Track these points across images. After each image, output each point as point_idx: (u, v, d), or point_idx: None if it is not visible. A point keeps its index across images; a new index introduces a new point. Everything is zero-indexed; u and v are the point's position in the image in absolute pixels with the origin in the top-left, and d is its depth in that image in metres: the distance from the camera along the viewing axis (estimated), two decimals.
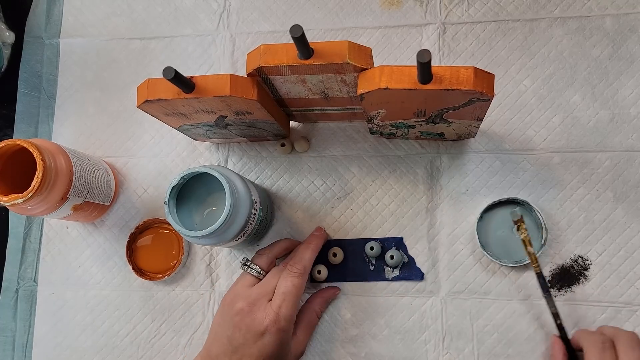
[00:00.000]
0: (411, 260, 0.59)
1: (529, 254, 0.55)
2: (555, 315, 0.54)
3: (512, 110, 0.61)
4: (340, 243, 0.61)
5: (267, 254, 0.56)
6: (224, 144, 0.65)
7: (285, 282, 0.53)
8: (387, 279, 0.59)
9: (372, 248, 0.59)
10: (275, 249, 0.57)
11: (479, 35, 0.62)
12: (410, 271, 0.59)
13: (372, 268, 0.60)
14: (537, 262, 0.55)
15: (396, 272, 0.59)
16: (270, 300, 0.52)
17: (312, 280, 0.60)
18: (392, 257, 0.58)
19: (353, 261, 0.60)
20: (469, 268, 0.58)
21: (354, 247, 0.60)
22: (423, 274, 0.59)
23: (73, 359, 0.63)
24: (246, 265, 0.56)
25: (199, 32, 0.67)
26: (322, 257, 0.60)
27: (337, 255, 0.60)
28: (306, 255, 0.56)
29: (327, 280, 0.60)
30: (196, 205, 0.53)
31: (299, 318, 0.56)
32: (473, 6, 0.63)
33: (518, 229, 0.55)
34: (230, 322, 0.52)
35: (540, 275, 0.55)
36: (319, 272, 0.60)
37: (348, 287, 0.60)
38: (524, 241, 0.55)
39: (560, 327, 0.54)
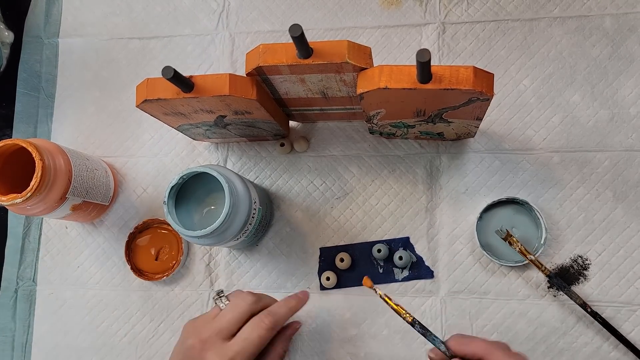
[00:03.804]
0: (419, 259, 0.59)
1: (532, 262, 0.55)
2: (584, 306, 0.54)
3: (512, 109, 0.61)
4: (346, 248, 0.61)
5: (250, 295, 0.50)
6: (223, 144, 0.65)
7: (251, 331, 0.47)
8: (397, 280, 0.59)
9: (379, 250, 0.59)
10: (263, 300, 0.51)
11: (479, 34, 0.62)
12: (419, 271, 0.59)
13: (380, 271, 0.60)
14: (542, 265, 0.55)
15: (405, 273, 0.59)
16: (226, 340, 0.47)
17: (322, 288, 0.60)
18: (400, 258, 0.58)
19: (361, 265, 0.60)
20: (468, 268, 0.58)
21: (360, 250, 0.60)
22: (433, 272, 0.59)
23: (72, 358, 0.63)
24: (219, 297, 0.50)
25: (198, 32, 0.67)
26: (329, 264, 0.60)
27: (345, 261, 0.59)
28: (282, 311, 0.50)
29: (336, 286, 0.60)
30: (195, 205, 0.53)
31: (261, 359, 0.50)
32: (472, 6, 0.63)
33: (510, 244, 0.55)
34: (184, 353, 0.48)
35: (553, 277, 0.55)
36: (328, 278, 0.59)
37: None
38: (521, 252, 0.55)
39: (594, 314, 0.54)
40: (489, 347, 0.43)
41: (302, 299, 0.53)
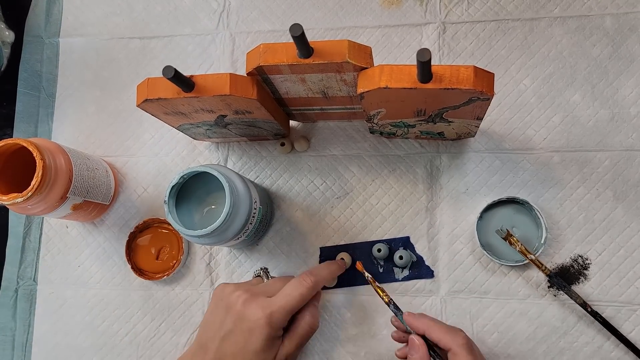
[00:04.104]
0: (420, 259, 0.59)
1: (532, 262, 0.55)
2: (584, 305, 0.54)
3: (512, 109, 0.61)
4: (346, 247, 0.60)
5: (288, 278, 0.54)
6: (223, 143, 0.65)
7: (294, 288, 0.50)
8: (397, 280, 0.59)
9: (379, 250, 0.59)
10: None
11: (479, 34, 0.62)
12: (420, 270, 0.59)
13: (381, 270, 0.60)
14: (543, 265, 0.55)
15: (406, 272, 0.59)
16: (271, 297, 0.50)
17: (323, 287, 0.60)
18: (401, 257, 0.58)
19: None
20: (468, 267, 0.58)
21: (361, 250, 0.60)
22: (433, 272, 0.59)
23: (72, 358, 0.63)
24: (266, 273, 0.56)
25: (198, 32, 0.67)
26: None
27: (345, 260, 0.59)
28: (323, 272, 0.53)
29: (336, 286, 0.60)
30: (196, 205, 0.53)
31: (290, 327, 0.51)
32: (473, 5, 0.63)
33: (511, 244, 0.55)
34: (225, 307, 0.50)
35: (553, 276, 0.55)
36: None
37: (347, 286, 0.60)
38: (521, 252, 0.55)
39: (594, 314, 0.54)
40: (432, 324, 0.49)
41: (341, 265, 0.57)
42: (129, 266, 0.62)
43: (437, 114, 0.50)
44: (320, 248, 0.61)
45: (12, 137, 0.68)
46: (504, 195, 0.59)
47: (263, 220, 0.58)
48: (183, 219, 0.51)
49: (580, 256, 0.57)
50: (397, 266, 0.59)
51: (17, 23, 0.70)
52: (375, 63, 0.47)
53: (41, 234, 0.66)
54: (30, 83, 0.69)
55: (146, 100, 0.48)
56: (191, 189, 0.53)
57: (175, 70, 0.44)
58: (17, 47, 0.70)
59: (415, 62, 0.42)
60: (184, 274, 0.63)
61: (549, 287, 0.57)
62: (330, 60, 0.45)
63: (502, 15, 0.62)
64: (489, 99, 0.45)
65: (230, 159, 0.64)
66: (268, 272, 0.57)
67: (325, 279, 0.53)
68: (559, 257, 0.58)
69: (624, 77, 0.59)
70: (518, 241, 0.55)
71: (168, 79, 0.44)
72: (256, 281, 0.55)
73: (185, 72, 0.47)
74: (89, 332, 0.63)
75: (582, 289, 0.57)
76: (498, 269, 0.58)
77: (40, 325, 0.64)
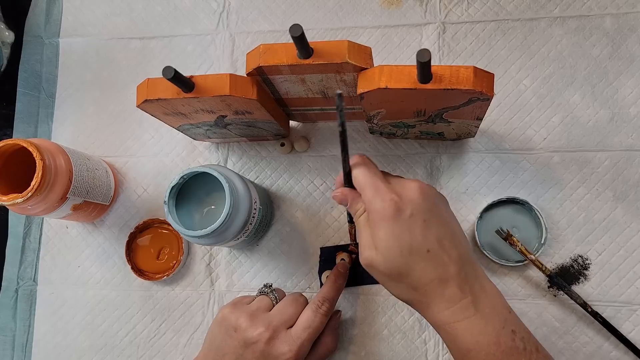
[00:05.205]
0: None
1: (533, 262, 0.55)
2: (584, 305, 0.54)
3: (512, 109, 0.61)
4: (346, 248, 0.60)
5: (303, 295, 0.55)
6: (223, 144, 0.65)
7: (313, 319, 0.51)
8: None
9: None
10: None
11: (479, 34, 0.62)
12: None
13: None
14: (543, 265, 0.55)
15: None
16: (289, 328, 0.51)
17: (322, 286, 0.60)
18: None
19: (361, 265, 0.59)
20: None
21: None
22: None
23: (73, 358, 0.63)
24: (271, 290, 0.54)
25: (198, 32, 0.67)
26: (330, 264, 0.60)
27: (345, 260, 0.59)
28: (336, 295, 0.54)
29: None
30: (196, 205, 0.53)
31: (310, 350, 0.53)
32: (473, 5, 0.63)
33: (511, 244, 0.55)
34: (244, 344, 0.49)
35: (553, 276, 0.55)
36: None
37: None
38: (521, 252, 0.55)
39: (594, 314, 0.54)
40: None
41: (344, 274, 0.57)
42: (129, 266, 0.62)
43: (437, 114, 0.50)
44: (321, 248, 0.61)
45: (12, 137, 0.68)
46: (504, 195, 0.59)
47: (263, 221, 0.58)
48: (183, 219, 0.51)
49: (580, 256, 0.57)
50: None
51: (17, 23, 0.70)
52: (375, 63, 0.47)
53: (41, 234, 0.66)
54: (30, 83, 0.69)
55: (146, 100, 0.48)
56: (191, 190, 0.53)
57: (175, 71, 0.44)
58: (17, 47, 0.70)
59: (415, 63, 0.42)
60: (184, 274, 0.63)
61: (549, 287, 0.57)
62: (330, 61, 0.45)
63: (502, 15, 0.62)
64: (488, 100, 0.45)
65: (230, 159, 0.64)
66: (273, 289, 0.55)
67: (336, 299, 0.54)
68: (559, 257, 0.58)
69: (623, 77, 0.59)
70: (518, 241, 0.55)
71: (168, 79, 0.44)
72: (261, 301, 0.53)
73: (185, 73, 0.47)
74: (89, 332, 0.63)
75: (582, 289, 0.57)
76: (498, 269, 0.58)
77: (40, 325, 0.64)
